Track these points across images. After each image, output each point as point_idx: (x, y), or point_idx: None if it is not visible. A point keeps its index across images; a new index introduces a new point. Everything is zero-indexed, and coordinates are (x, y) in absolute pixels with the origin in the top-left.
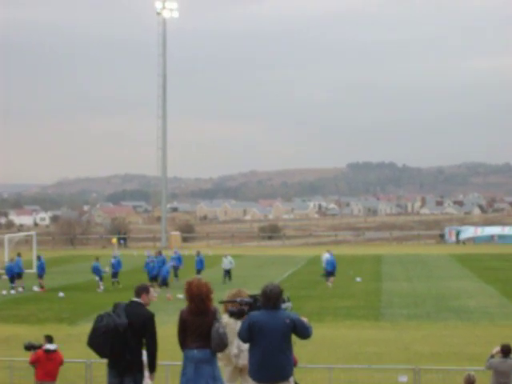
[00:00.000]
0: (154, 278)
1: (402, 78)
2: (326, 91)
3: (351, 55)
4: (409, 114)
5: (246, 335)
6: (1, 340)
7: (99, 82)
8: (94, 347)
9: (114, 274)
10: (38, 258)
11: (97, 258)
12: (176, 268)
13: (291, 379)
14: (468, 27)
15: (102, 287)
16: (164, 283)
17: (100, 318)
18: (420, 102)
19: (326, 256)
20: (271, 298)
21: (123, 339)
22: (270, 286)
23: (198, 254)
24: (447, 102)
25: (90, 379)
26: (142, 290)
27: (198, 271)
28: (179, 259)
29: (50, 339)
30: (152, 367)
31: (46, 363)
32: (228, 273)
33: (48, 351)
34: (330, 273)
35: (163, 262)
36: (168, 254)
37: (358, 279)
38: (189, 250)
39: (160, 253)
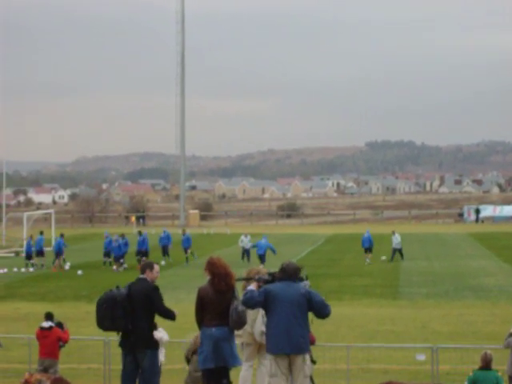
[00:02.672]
0: (117, 258)
1: (420, 56)
2: (345, 70)
3: (369, 34)
4: (428, 93)
5: (260, 298)
6: (20, 317)
7: (117, 60)
8: (99, 323)
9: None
10: (61, 235)
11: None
12: (164, 247)
13: (307, 356)
14: (492, 4)
15: (115, 267)
16: (117, 260)
17: (100, 296)
18: (439, 81)
19: (395, 237)
20: (288, 271)
21: (122, 309)
22: (287, 261)
23: (184, 232)
24: (466, 81)
25: (108, 357)
26: (145, 267)
27: (185, 250)
28: (168, 238)
29: (48, 317)
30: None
31: (43, 341)
32: (248, 252)
33: (42, 329)
34: (367, 249)
35: (126, 244)
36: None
37: (383, 258)
38: (207, 229)
39: (123, 235)
